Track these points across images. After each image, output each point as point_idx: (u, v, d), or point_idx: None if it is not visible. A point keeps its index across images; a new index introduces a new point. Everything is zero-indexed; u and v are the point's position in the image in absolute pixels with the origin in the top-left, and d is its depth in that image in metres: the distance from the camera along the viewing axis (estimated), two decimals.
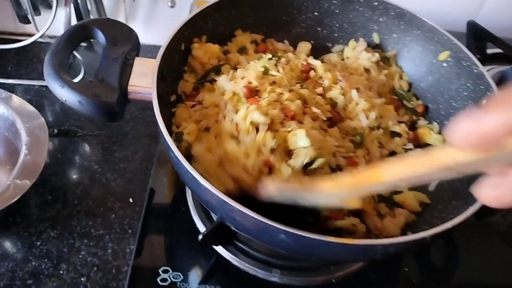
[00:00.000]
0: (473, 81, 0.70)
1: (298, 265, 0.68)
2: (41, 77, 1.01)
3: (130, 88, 0.60)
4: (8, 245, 0.76)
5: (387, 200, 0.65)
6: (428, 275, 0.74)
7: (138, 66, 0.61)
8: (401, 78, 0.81)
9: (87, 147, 0.91)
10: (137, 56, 0.64)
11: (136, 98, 0.61)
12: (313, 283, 0.69)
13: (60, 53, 0.58)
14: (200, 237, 0.59)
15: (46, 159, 0.84)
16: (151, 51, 1.03)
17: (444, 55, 0.75)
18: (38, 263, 0.73)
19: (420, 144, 0.74)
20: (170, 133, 0.58)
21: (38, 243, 0.76)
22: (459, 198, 0.61)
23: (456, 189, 0.62)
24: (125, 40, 0.62)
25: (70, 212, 0.80)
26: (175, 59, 0.67)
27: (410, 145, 0.72)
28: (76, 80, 0.93)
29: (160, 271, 0.68)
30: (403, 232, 0.61)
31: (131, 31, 0.63)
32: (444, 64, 0.75)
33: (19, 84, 0.99)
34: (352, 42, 0.82)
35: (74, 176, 0.86)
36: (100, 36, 0.62)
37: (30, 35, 0.98)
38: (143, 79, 0.60)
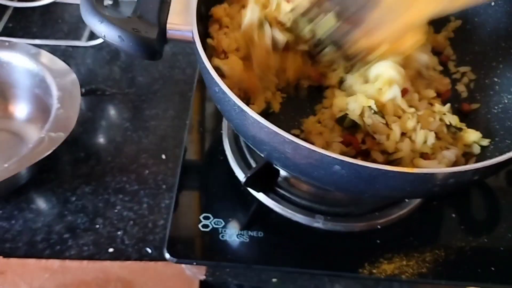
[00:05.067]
0: None
1: (342, 211, 0.66)
2: (67, 37, 1.00)
3: (169, 26, 0.58)
4: (43, 201, 0.75)
5: None
6: (476, 225, 0.72)
7: (176, 4, 0.59)
8: None
9: (117, 106, 0.90)
10: None
11: (175, 37, 0.59)
12: (358, 229, 0.67)
13: None
14: (244, 178, 0.57)
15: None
16: None
17: None
18: (74, 218, 0.73)
19: None
20: None
21: (73, 199, 0.75)
22: None
23: None
24: None
25: (104, 168, 0.79)
26: None
27: None
28: None
29: (201, 217, 0.66)
30: None
31: None
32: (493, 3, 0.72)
33: (45, 45, 0.98)
34: None
35: (105, 134, 0.85)
36: None
37: None
38: (181, 17, 0.58)
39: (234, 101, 0.50)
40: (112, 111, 0.89)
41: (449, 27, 0.76)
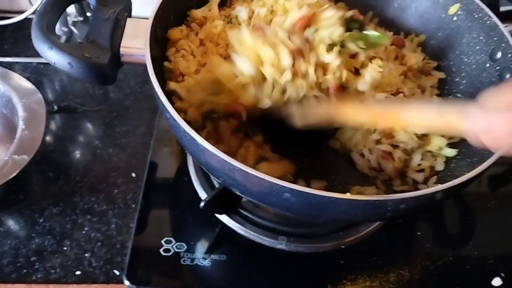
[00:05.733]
0: (486, 33, 0.67)
1: (306, 232, 0.66)
2: (38, 54, 0.99)
3: (122, 50, 0.58)
4: (10, 223, 0.75)
5: None
6: (442, 243, 0.71)
7: (130, 27, 0.58)
8: None
9: (87, 123, 0.89)
10: (129, 17, 0.61)
11: (129, 61, 0.58)
12: (321, 250, 0.66)
13: (48, 15, 0.55)
14: (202, 203, 0.56)
15: (46, 136, 0.84)
16: None
17: (454, 9, 0.71)
18: (41, 240, 0.72)
19: None
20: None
21: (41, 220, 0.74)
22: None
23: None
24: (116, 0, 0.59)
25: (73, 188, 0.79)
26: (170, 20, 0.64)
27: None
28: None
29: (162, 241, 0.66)
30: None
31: None
32: (455, 18, 0.71)
33: (17, 62, 0.97)
34: None
35: (75, 152, 0.84)
36: None
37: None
38: (136, 40, 0.57)
39: (184, 128, 0.49)
40: (82, 129, 0.88)
41: (414, 41, 0.75)
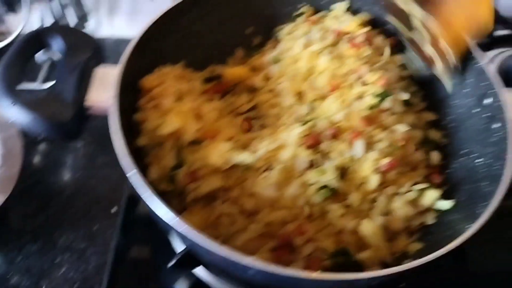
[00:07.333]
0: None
1: None
2: None
3: (88, 103, 0.55)
4: None
5: None
6: None
7: (98, 77, 0.56)
8: None
9: (69, 154, 0.87)
10: (100, 63, 0.58)
11: (97, 113, 0.56)
12: None
13: (12, 66, 0.53)
14: (170, 264, 0.54)
15: (27, 167, 0.82)
16: None
17: None
18: (18, 280, 0.70)
19: None
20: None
21: (19, 258, 0.73)
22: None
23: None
24: (84, 49, 0.56)
25: (52, 224, 0.76)
26: (143, 68, 0.61)
27: None
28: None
29: None
30: None
31: (90, 39, 0.57)
32: None
33: None
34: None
35: (56, 185, 0.82)
36: (56, 45, 0.56)
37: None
38: (104, 92, 0.54)
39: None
40: (64, 160, 0.86)
41: None
